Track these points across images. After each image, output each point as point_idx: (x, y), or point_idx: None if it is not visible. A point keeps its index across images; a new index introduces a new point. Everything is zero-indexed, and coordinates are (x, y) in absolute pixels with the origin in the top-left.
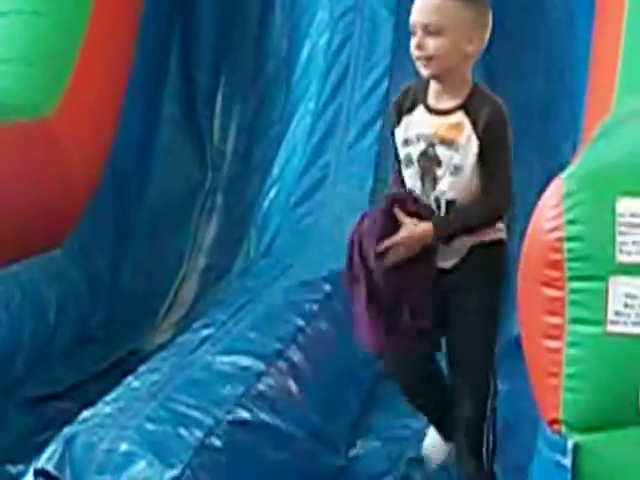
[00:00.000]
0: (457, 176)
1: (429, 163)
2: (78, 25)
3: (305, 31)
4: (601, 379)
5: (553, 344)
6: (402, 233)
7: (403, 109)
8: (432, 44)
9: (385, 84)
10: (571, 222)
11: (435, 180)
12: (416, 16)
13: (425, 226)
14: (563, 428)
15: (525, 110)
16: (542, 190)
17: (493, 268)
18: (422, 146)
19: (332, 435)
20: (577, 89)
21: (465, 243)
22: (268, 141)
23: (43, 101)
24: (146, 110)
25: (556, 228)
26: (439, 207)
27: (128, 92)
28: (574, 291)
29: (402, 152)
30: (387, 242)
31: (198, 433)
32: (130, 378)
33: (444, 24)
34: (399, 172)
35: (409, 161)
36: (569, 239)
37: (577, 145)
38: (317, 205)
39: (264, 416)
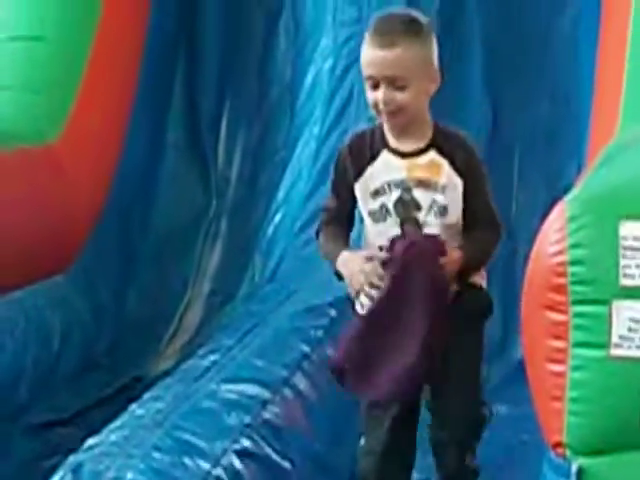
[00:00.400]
0: (445, 217)
1: (407, 209)
2: (81, 52)
3: (309, 56)
4: (605, 403)
5: (557, 368)
6: (447, 258)
7: (362, 160)
8: (399, 97)
9: None
10: (574, 246)
11: (419, 225)
12: (378, 70)
13: (459, 253)
14: (567, 452)
15: (530, 134)
16: (546, 213)
17: (477, 313)
18: (396, 193)
19: (336, 464)
20: (582, 113)
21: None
22: (273, 166)
23: (47, 128)
24: (150, 136)
25: (559, 252)
26: None
27: (132, 118)
28: (578, 315)
29: (372, 204)
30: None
31: (204, 463)
32: (134, 406)
33: (411, 76)
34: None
35: (385, 212)
36: (572, 263)
37: (582, 168)
38: None
39: (269, 446)
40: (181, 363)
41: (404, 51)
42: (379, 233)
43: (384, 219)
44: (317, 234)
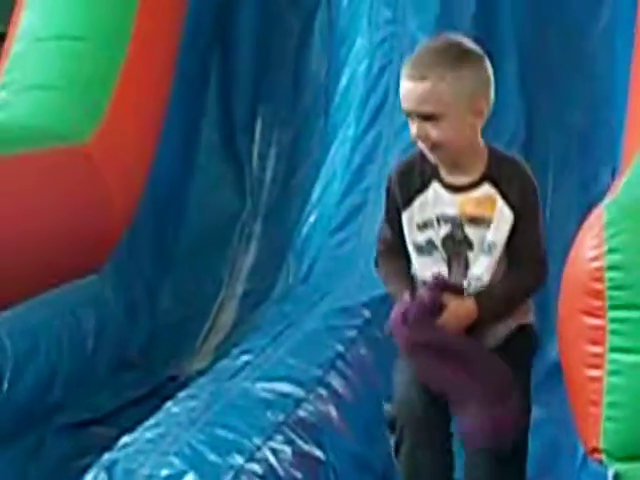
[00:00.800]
0: (491, 254)
1: (458, 247)
2: (118, 52)
3: (344, 58)
4: None
5: (594, 373)
6: (445, 314)
7: (410, 187)
8: (434, 134)
9: None
10: (612, 251)
11: (467, 264)
12: (408, 104)
13: (468, 303)
14: (604, 457)
15: (565, 139)
16: (582, 219)
17: (525, 353)
18: (447, 229)
19: (371, 462)
20: (616, 118)
21: (501, 331)
22: (307, 167)
23: (82, 128)
24: (185, 136)
25: (597, 257)
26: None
27: (167, 118)
28: (615, 320)
29: (419, 237)
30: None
31: (239, 458)
32: (169, 404)
33: (444, 111)
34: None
35: (431, 246)
36: (610, 268)
37: (616, 173)
38: (356, 231)
39: (304, 443)
40: (215, 363)
41: (435, 85)
42: (424, 265)
43: (430, 253)
44: (376, 263)
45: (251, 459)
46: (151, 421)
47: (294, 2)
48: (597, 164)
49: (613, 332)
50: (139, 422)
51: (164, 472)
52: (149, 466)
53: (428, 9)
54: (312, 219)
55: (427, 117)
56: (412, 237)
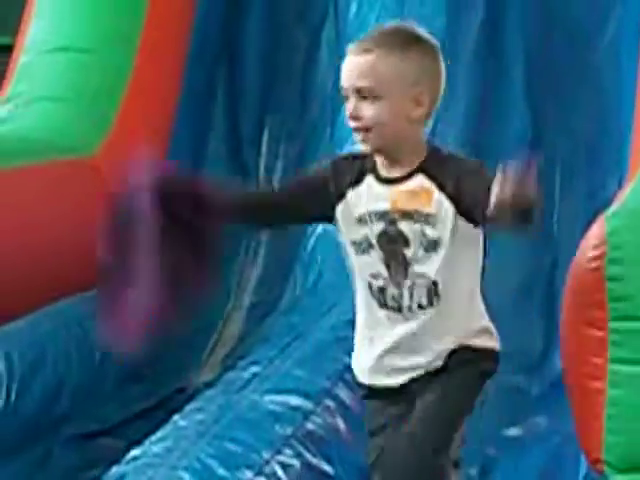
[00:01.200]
0: (436, 252)
1: (394, 244)
2: (125, 63)
3: None
4: None
5: (596, 385)
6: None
7: (345, 180)
8: (368, 111)
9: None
10: (613, 262)
11: (406, 263)
12: (346, 79)
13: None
14: (605, 468)
15: (571, 147)
16: (588, 227)
17: (477, 376)
18: (380, 225)
19: None
20: (623, 127)
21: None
22: None
23: (89, 140)
24: (192, 149)
25: (598, 267)
26: (412, 296)
27: (174, 131)
28: (615, 331)
29: (355, 235)
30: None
31: (248, 473)
32: (177, 417)
33: (384, 89)
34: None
35: (367, 244)
36: (611, 279)
37: (623, 182)
38: None
39: (312, 456)
40: (223, 375)
41: (378, 59)
42: (364, 266)
43: (368, 252)
44: None
45: (260, 473)
46: (159, 434)
47: (301, 15)
48: (604, 173)
49: (613, 343)
50: (147, 434)
51: None
52: None
53: (435, 18)
54: (319, 230)
55: (364, 96)
56: (349, 235)
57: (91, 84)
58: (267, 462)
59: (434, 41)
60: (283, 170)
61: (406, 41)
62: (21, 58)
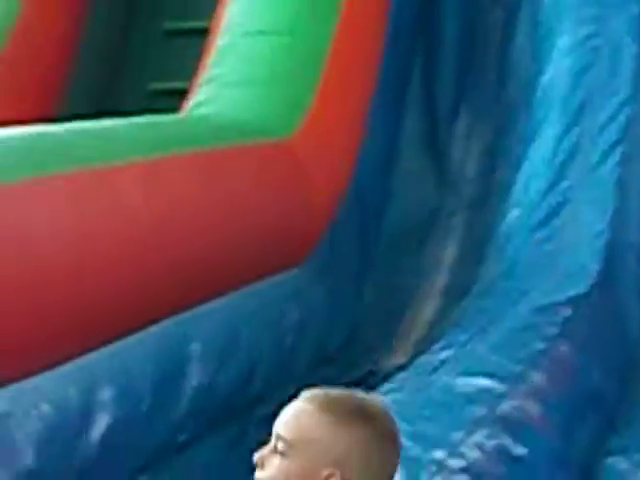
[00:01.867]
0: None
1: None
2: (322, 46)
3: (547, 54)
4: None
5: None
6: None
7: None
8: (270, 468)
9: (626, 111)
10: None
11: None
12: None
13: None
14: None
15: None
16: None
17: None
18: None
19: (570, 459)
20: None
21: None
22: (508, 163)
23: (286, 123)
24: (388, 131)
25: None
26: None
27: (370, 113)
28: None
29: None
30: None
31: (440, 453)
32: None
33: (292, 446)
34: None
35: None
36: None
37: None
38: (557, 229)
39: (504, 439)
40: (414, 358)
41: (309, 415)
42: None
43: None
44: None
45: (453, 453)
46: None
47: None
48: None
49: None
50: None
51: None
52: None
53: (632, 6)
54: (513, 215)
55: (277, 448)
56: None
57: (288, 67)
58: (460, 443)
59: (393, 431)
60: (478, 152)
61: (352, 413)
62: (217, 42)
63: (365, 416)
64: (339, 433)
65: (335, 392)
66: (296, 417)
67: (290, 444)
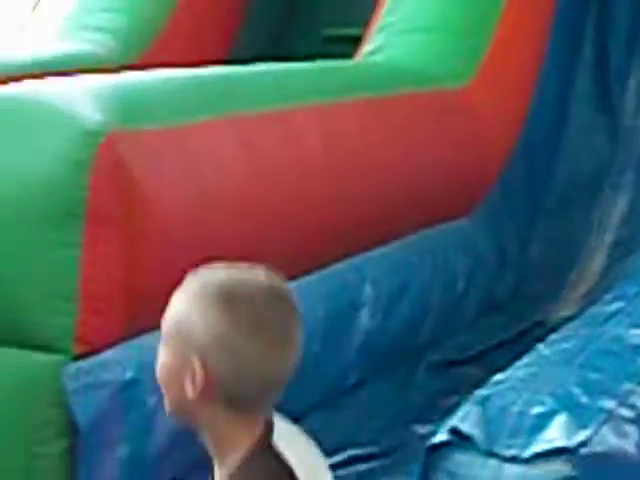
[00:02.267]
0: None
1: None
2: None
3: None
4: None
5: None
6: None
7: None
8: (158, 358)
9: None
10: None
11: None
12: None
13: None
14: None
15: None
16: None
17: None
18: None
19: None
20: None
21: None
22: None
23: (461, 72)
24: (560, 84)
25: None
26: None
27: (544, 66)
28: None
29: None
30: None
31: (610, 402)
32: (540, 346)
33: (166, 331)
34: None
35: None
36: None
37: None
38: None
39: None
40: (582, 310)
41: (180, 299)
42: None
43: None
44: None
45: (622, 404)
46: (523, 361)
47: None
48: None
49: None
50: (505, 364)
51: (536, 410)
52: (521, 403)
53: None
54: None
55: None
56: None
57: (464, 16)
58: (630, 393)
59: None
60: None
61: (221, 298)
62: None
63: (233, 302)
64: (203, 319)
65: (220, 274)
66: (170, 306)
67: (165, 333)
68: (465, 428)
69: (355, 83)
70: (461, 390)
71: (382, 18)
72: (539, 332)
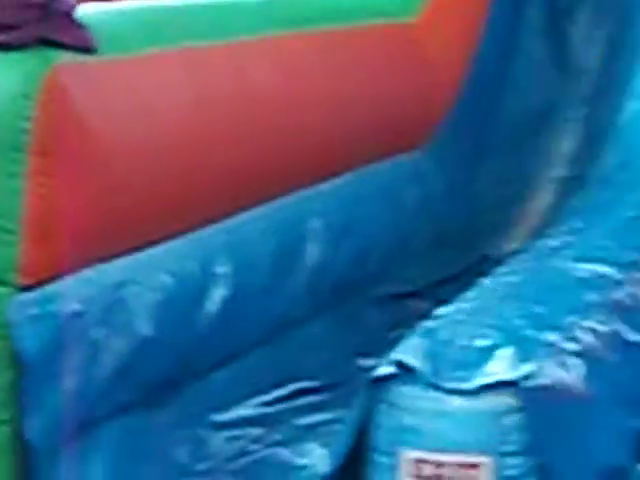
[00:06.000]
0: None
1: None
2: None
3: None
4: None
5: None
6: None
7: None
8: None
9: None
10: None
11: None
12: None
13: None
14: None
15: None
16: None
17: None
18: None
19: None
20: None
21: None
22: (630, 54)
23: (412, 4)
24: (510, 18)
25: None
26: None
27: (492, 1)
28: None
29: None
30: None
31: (554, 335)
32: (486, 279)
33: None
34: None
35: None
36: None
37: None
38: None
39: (619, 324)
40: (529, 244)
41: None
42: None
43: None
44: None
45: (566, 337)
46: (468, 294)
47: None
48: None
49: None
50: (453, 296)
51: (480, 343)
52: (465, 336)
53: None
54: (633, 107)
55: None
56: None
57: None
58: (573, 326)
59: None
60: (599, 42)
61: None
62: None
63: None
64: None
65: None
66: None
67: None
68: (409, 360)
69: (304, 16)
70: (407, 323)
71: None
72: (486, 266)
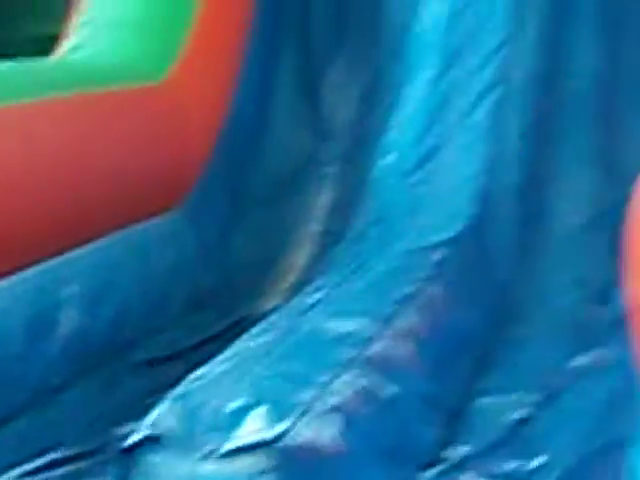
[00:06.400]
0: None
1: None
2: None
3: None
4: None
5: None
6: None
7: None
8: None
9: (502, 53)
10: None
11: None
12: None
13: None
14: None
15: None
16: None
17: None
18: None
19: (442, 399)
20: None
21: None
22: (383, 109)
23: (159, 65)
24: (263, 77)
25: None
26: None
27: (246, 57)
28: None
29: None
30: None
31: (309, 392)
32: (241, 340)
33: None
34: None
35: None
36: None
37: None
38: (430, 173)
39: (375, 379)
40: (285, 302)
41: None
42: None
43: None
44: None
45: (321, 393)
46: (221, 356)
47: None
48: None
49: None
50: (211, 359)
51: (234, 405)
52: (218, 398)
53: None
54: (387, 161)
55: None
56: None
57: (161, 10)
58: (329, 383)
59: None
60: (352, 98)
61: None
62: None
63: None
64: None
65: None
66: None
67: None
68: (159, 428)
69: (50, 82)
70: (163, 388)
71: (79, 15)
72: (246, 326)
